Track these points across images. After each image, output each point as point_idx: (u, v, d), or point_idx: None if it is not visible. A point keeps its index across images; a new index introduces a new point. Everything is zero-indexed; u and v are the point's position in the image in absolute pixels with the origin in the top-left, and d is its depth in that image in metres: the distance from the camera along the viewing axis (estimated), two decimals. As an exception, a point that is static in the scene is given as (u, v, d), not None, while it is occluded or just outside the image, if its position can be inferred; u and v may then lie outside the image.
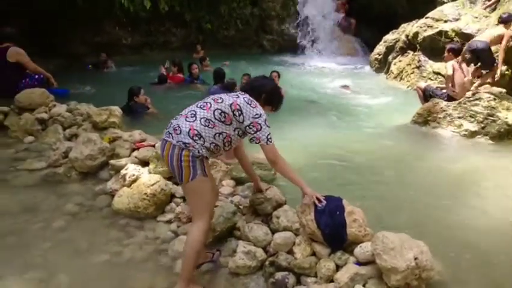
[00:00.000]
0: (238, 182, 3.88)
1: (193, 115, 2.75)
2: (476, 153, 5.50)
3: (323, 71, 12.22)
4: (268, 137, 2.79)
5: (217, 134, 2.75)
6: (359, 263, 2.75)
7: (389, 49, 11.14)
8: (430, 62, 9.33)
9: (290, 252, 3.05)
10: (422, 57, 9.54)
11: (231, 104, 2.77)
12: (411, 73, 9.79)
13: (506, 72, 7.87)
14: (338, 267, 2.79)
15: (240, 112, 2.76)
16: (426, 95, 6.90)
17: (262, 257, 3.05)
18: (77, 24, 10.00)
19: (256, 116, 2.78)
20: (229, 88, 6.38)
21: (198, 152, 2.69)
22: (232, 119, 2.76)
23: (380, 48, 11.59)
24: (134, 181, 3.86)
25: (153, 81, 8.69)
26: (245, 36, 14.63)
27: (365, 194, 4.25)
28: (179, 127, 2.71)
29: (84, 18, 9.90)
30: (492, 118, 5.92)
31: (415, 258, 2.54)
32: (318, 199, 2.94)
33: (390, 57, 10.96)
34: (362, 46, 14.58)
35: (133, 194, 3.73)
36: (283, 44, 15.07)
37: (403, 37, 10.40)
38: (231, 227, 3.37)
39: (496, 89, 6.53)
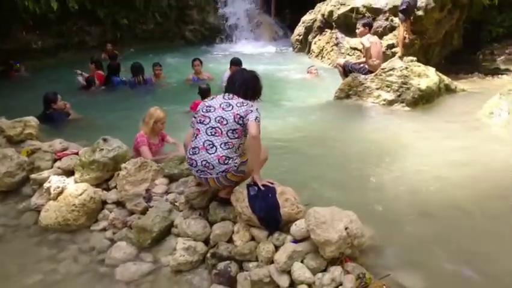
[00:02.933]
0: (172, 179, 3.81)
1: (211, 145, 3.01)
2: (395, 121, 5.89)
3: (247, 55, 12.28)
4: (256, 117, 3.03)
5: (239, 146, 3.07)
6: (296, 241, 2.85)
7: (308, 29, 11.43)
8: (347, 38, 9.71)
9: (230, 241, 3.09)
10: (339, 35, 9.91)
11: (234, 118, 3.02)
12: (331, 51, 10.16)
13: (416, 41, 8.44)
14: (277, 248, 2.87)
15: (241, 118, 3.02)
16: (346, 71, 7.21)
17: (203, 251, 3.07)
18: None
19: (248, 109, 3.05)
20: (206, 94, 6.13)
21: (235, 166, 3.03)
22: (241, 128, 3.04)
23: (300, 29, 11.85)
24: (60, 193, 3.66)
25: (82, 84, 8.17)
26: (165, 29, 14.21)
27: (299, 171, 4.40)
28: (208, 163, 2.99)
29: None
30: (406, 86, 6.34)
31: (346, 228, 2.68)
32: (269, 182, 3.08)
33: (310, 37, 11.26)
34: (283, 28, 14.82)
35: (61, 207, 3.55)
36: (206, 33, 14.85)
37: (319, 16, 10.72)
38: (169, 225, 3.33)
39: (408, 58, 6.97)
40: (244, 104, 3.08)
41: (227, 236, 3.08)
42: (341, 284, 2.55)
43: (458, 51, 9.91)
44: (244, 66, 10.50)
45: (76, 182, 3.80)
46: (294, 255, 2.69)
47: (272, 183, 3.09)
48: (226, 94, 3.20)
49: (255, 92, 3.28)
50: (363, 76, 6.77)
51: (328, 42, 10.38)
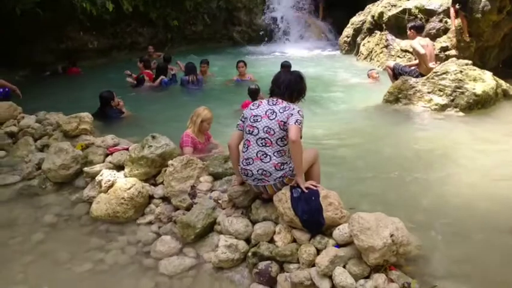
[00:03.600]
0: (216, 177, 3.88)
1: (265, 155, 3.11)
2: (447, 127, 5.64)
3: (295, 57, 12.24)
4: (297, 120, 3.05)
5: (288, 150, 3.12)
6: (338, 245, 2.81)
7: (357, 31, 11.24)
8: (397, 40, 9.45)
9: (271, 241, 3.09)
10: (389, 36, 9.66)
11: (279, 126, 3.08)
12: (380, 53, 9.91)
13: (471, 44, 8.05)
14: (319, 251, 2.84)
15: (284, 124, 3.08)
16: (395, 73, 7.01)
17: (244, 249, 3.09)
18: (40, 33, 9.72)
19: (289, 113, 3.10)
20: (255, 95, 6.27)
21: (290, 170, 3.13)
22: (287, 134, 3.06)
23: (348, 30, 11.68)
24: (110, 186, 3.83)
25: (132, 83, 8.52)
26: (214, 30, 14.51)
27: (345, 176, 4.32)
28: (265, 170, 3.10)
29: (46, 26, 9.61)
30: (460, 90, 6.06)
31: (391, 235, 2.60)
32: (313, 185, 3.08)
33: (358, 39, 11.06)
34: (331, 30, 14.64)
35: (111, 200, 3.71)
36: (253, 34, 14.98)
37: (369, 18, 10.50)
38: (212, 222, 3.39)
39: (463, 61, 6.66)
40: (287, 109, 3.12)
41: (268, 236, 3.08)
42: (384, 292, 2.48)
43: (518, 55, 9.34)
44: (292, 68, 10.59)
45: (125, 176, 3.96)
46: (336, 259, 2.65)
47: (316, 186, 3.06)
48: (271, 99, 3.25)
49: (300, 92, 3.32)
50: (414, 79, 6.54)
51: (377, 44, 10.14)
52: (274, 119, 3.10)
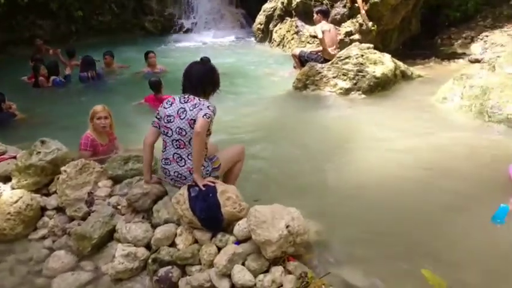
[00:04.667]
0: (116, 180, 3.65)
1: (180, 158, 3.11)
2: (350, 109, 5.88)
3: (209, 46, 12.07)
4: (206, 113, 2.97)
5: (203, 150, 3.05)
6: (239, 242, 2.76)
7: (269, 18, 11.28)
8: (306, 26, 9.64)
9: (173, 244, 2.97)
10: (299, 23, 9.83)
11: (189, 126, 3.01)
12: (292, 39, 10.07)
13: (373, 28, 8.45)
14: (220, 250, 2.77)
15: (194, 121, 2.99)
16: (302, 60, 7.14)
17: (144, 256, 2.94)
18: None
19: (200, 107, 3.03)
20: (157, 88, 6.00)
21: (206, 173, 3.12)
22: None
23: (261, 17, 11.69)
24: (-7, 202, 3.44)
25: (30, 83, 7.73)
26: (123, 20, 13.75)
27: (255, 166, 4.29)
28: (180, 174, 3.12)
29: None
30: (362, 74, 6.33)
31: (287, 226, 2.60)
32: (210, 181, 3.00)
33: (271, 26, 11.13)
34: (246, 18, 14.60)
35: (-6, 217, 3.33)
36: (166, 23, 14.49)
37: (279, 4, 10.58)
38: (111, 230, 3.18)
39: (364, 45, 6.95)
40: (197, 106, 3.04)
41: (169, 239, 2.95)
42: (281, 285, 2.48)
43: (416, 37, 10.00)
44: (208, 55, 10.40)
45: (12, 188, 3.58)
46: (234, 257, 2.60)
47: (214, 183, 2.98)
48: (183, 96, 3.14)
49: (214, 85, 3.23)
50: (319, 65, 6.71)
51: (289, 31, 10.28)
52: (184, 118, 3.03)
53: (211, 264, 2.72)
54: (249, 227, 2.67)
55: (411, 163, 4.16)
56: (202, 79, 3.14)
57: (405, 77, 6.91)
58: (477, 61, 7.91)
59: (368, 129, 5.11)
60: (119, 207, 3.34)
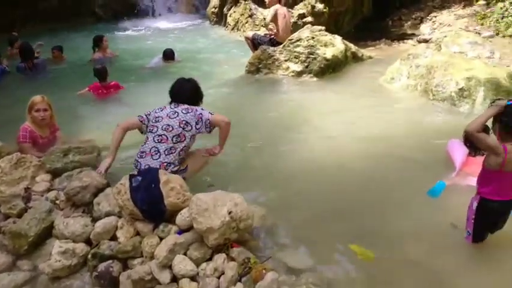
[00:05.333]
0: (55, 174, 3.48)
1: (156, 152, 3.29)
2: (302, 92, 5.88)
3: (163, 31, 11.73)
4: (209, 112, 3.45)
5: (181, 150, 3.35)
6: (181, 231, 2.70)
7: (223, 1, 11.11)
8: (260, 9, 9.55)
9: (115, 238, 2.86)
10: (253, 6, 9.75)
11: (179, 124, 3.34)
12: (246, 23, 9.96)
13: (324, 10, 8.46)
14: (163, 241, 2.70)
15: (187, 124, 3.36)
16: (255, 44, 7.06)
17: (84, 252, 2.82)
18: None
19: (196, 112, 3.42)
20: (102, 75, 5.78)
21: (172, 171, 3.21)
22: (185, 133, 3.35)
23: (215, 1, 11.49)
24: None
25: None
26: (71, 5, 13.11)
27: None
28: (150, 167, 3.17)
29: None
30: (313, 56, 6.34)
31: (229, 213, 2.56)
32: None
33: (225, 9, 10.97)
34: (200, 1, 14.28)
35: None
36: (118, 8, 13.93)
37: (232, -13, 10.43)
38: (49, 227, 3.02)
39: (316, 28, 6.95)
40: (190, 111, 3.41)
41: (110, 233, 2.84)
42: (223, 273, 2.45)
43: (368, 19, 10.11)
44: (160, 41, 10.16)
45: None
46: (175, 247, 2.53)
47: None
48: (173, 104, 3.50)
49: (201, 98, 3.71)
50: (272, 48, 6.66)
51: (243, 14, 10.16)
52: (175, 118, 3.36)
53: (152, 256, 2.64)
54: (190, 216, 2.61)
55: (358, 144, 4.23)
56: (191, 96, 3.58)
57: (356, 58, 6.98)
58: (425, 41, 8.09)
59: (318, 112, 5.14)
60: (57, 202, 3.19)
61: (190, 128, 3.36)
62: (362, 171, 3.73)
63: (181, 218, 2.72)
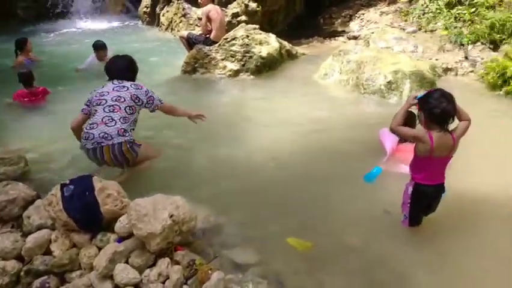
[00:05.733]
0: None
1: (111, 120, 3.40)
2: (240, 91, 5.91)
3: (92, 32, 11.20)
4: (160, 99, 3.75)
5: (132, 122, 3.55)
6: (121, 239, 2.60)
7: (155, 1, 10.83)
8: (193, 8, 9.43)
9: (49, 251, 2.70)
10: (186, 5, 9.58)
11: (131, 97, 3.52)
12: (180, 22, 9.78)
13: (258, 9, 8.55)
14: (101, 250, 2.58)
15: (138, 99, 3.57)
16: (190, 43, 6.98)
17: (15, 270, 2.62)
18: None
19: (147, 92, 3.65)
20: (29, 80, 5.43)
21: (131, 139, 3.46)
22: (136, 106, 3.56)
23: (147, 0, 11.18)
24: None
25: None
26: (-13, 6, 12.14)
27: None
28: (107, 134, 3.35)
29: None
30: (249, 55, 6.38)
31: (171, 216, 2.50)
32: None
33: (157, 9, 10.70)
34: (131, 1, 13.82)
35: None
36: (42, 10, 13.09)
37: (164, -14, 10.21)
38: (-28, 247, 2.78)
39: (250, 26, 7.00)
40: (140, 88, 3.62)
41: (43, 247, 2.67)
42: (168, 277, 2.39)
43: (301, 17, 10.36)
44: (90, 43, 9.64)
45: None
46: (115, 256, 2.43)
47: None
48: (115, 80, 3.62)
49: (136, 73, 3.86)
50: (207, 47, 6.61)
51: (176, 14, 9.96)
52: (125, 91, 3.52)
53: (91, 268, 2.52)
54: (130, 222, 2.52)
55: (297, 138, 4.32)
56: (129, 68, 3.75)
57: (290, 56, 7.13)
58: (355, 38, 8.47)
59: (256, 109, 5.19)
60: (-18, 218, 2.94)
61: (140, 103, 3.57)
62: (301, 165, 3.82)
63: (120, 225, 2.62)
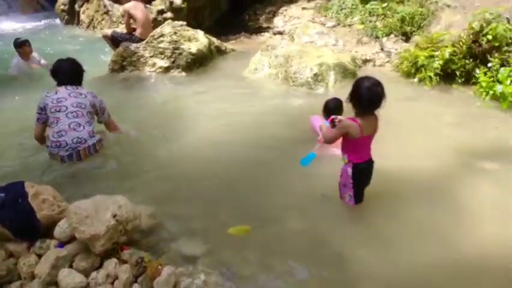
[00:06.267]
0: None
1: (78, 125, 3.63)
2: (172, 88, 5.87)
3: (6, 33, 10.37)
4: (109, 113, 3.98)
5: (92, 125, 3.77)
6: (63, 244, 2.52)
7: (73, -2, 10.30)
8: (116, 5, 9.11)
9: (-18, 265, 2.53)
10: (107, 2, 9.24)
11: (89, 104, 3.75)
12: (102, 20, 9.45)
13: (183, 5, 8.49)
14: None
15: (95, 107, 3.81)
16: (115, 41, 6.77)
17: None
18: None
19: (101, 102, 3.91)
20: None
21: (98, 138, 3.77)
22: (93, 112, 3.81)
23: (63, -2, 10.58)
24: None
25: None
26: None
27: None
28: (80, 138, 3.62)
29: None
30: (178, 51, 6.35)
31: (114, 216, 2.47)
32: None
33: (76, 6, 10.19)
34: (46, -1, 12.99)
35: None
36: None
37: (81, -17, 9.74)
38: None
39: (177, 23, 6.94)
40: (95, 96, 3.85)
41: (-25, 261, 2.51)
42: (117, 278, 2.37)
43: (227, 14, 10.45)
44: (5, 45, 8.96)
45: None
46: (58, 262, 2.36)
47: None
48: (69, 86, 3.74)
49: (83, 75, 4.00)
50: (134, 45, 6.46)
51: (97, 11, 9.59)
52: (84, 98, 3.72)
53: (33, 276, 2.41)
54: (70, 226, 2.45)
55: (232, 132, 4.42)
56: (77, 72, 3.89)
57: (220, 52, 7.19)
58: (280, 33, 8.75)
59: (190, 106, 5.21)
60: None
61: (96, 111, 3.83)
62: (238, 156, 3.92)
63: (60, 230, 2.53)
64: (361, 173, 2.98)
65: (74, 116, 3.62)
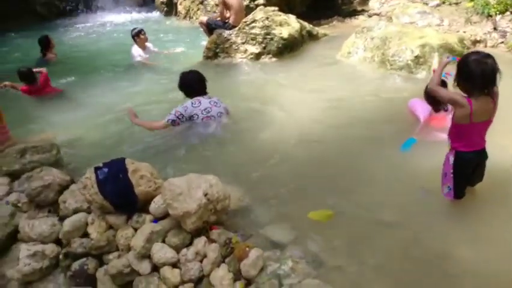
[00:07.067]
0: (14, 176, 3.27)
1: (216, 103, 4.15)
2: (263, 74, 5.82)
3: (111, 25, 11.29)
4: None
5: None
6: (157, 220, 2.61)
7: (172, -10, 10.81)
8: (210, -5, 9.37)
9: (86, 235, 2.73)
10: (203, -9, 9.52)
11: (225, 111, 4.25)
12: (198, 10, 9.76)
13: (276, -9, 8.41)
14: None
15: (226, 109, 4.27)
16: (210, 29, 6.92)
17: (54, 253, 2.69)
18: None
19: (227, 106, 4.33)
20: (27, 79, 5.52)
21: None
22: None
23: (163, -10, 11.17)
24: None
25: None
26: (8, 5, 12.31)
27: (172, 139, 4.09)
28: (221, 112, 4.16)
29: None
30: (270, 37, 6.28)
31: (205, 195, 2.49)
32: None
33: (174, -1, 10.69)
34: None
35: None
36: (62, 6, 13.23)
37: (179, -26, 10.16)
38: (13, 231, 2.86)
39: (269, 8, 6.88)
40: (223, 104, 4.25)
41: (80, 230, 2.71)
42: (206, 256, 2.38)
43: (320, -2, 10.16)
44: (110, 36, 9.78)
45: None
46: (152, 236, 2.44)
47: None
48: (206, 96, 4.17)
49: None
50: (227, 32, 6.54)
51: (193, 2, 9.93)
52: (220, 106, 4.15)
53: (129, 248, 2.54)
54: (165, 202, 2.51)
55: (325, 116, 4.24)
56: (204, 82, 4.21)
57: (311, 36, 6.98)
58: (376, 15, 8.25)
59: (282, 91, 5.10)
60: (19, 204, 3.00)
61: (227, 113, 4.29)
62: (333, 141, 3.76)
63: (155, 206, 2.63)
64: (466, 164, 2.60)
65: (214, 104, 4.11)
